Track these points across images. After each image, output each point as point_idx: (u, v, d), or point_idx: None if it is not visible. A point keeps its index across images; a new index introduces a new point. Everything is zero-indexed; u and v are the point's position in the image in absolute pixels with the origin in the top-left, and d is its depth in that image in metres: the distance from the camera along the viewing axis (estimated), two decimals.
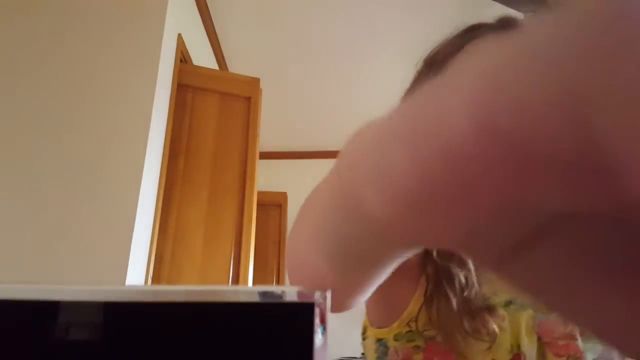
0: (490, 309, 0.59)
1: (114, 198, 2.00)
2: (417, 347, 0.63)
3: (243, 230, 2.43)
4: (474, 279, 0.60)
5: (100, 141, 2.10)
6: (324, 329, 0.32)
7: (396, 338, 0.66)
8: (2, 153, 2.09)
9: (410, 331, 0.64)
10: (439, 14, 3.02)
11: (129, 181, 2.03)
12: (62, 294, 0.32)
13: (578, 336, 0.57)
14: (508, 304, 0.61)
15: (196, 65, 2.78)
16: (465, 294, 0.60)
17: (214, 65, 3.32)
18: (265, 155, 4.23)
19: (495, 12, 2.92)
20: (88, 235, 1.95)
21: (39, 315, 0.31)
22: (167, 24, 2.33)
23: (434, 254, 0.62)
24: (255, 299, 0.33)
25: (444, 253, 0.61)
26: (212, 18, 3.04)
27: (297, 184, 4.60)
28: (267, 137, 3.87)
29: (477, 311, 0.59)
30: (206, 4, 2.92)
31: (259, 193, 2.62)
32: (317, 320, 0.32)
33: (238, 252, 2.39)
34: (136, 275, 1.97)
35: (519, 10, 2.57)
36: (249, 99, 2.70)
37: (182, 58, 2.60)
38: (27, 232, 1.95)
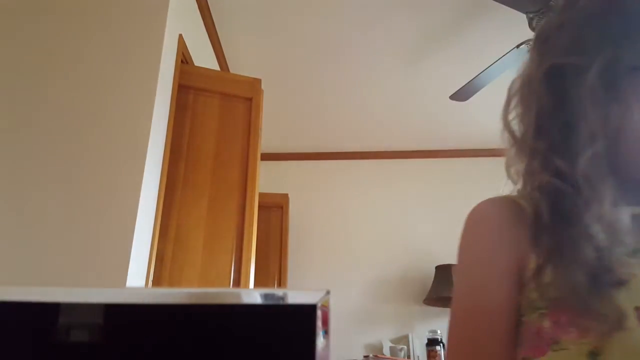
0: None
1: (115, 200, 2.00)
2: (542, 314, 0.61)
3: (244, 231, 2.42)
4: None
5: (100, 142, 2.10)
6: (326, 331, 0.32)
7: (522, 313, 0.64)
8: (2, 154, 2.09)
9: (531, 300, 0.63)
10: (440, 16, 3.02)
11: (130, 182, 2.02)
12: (62, 295, 0.31)
13: None
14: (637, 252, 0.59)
15: (197, 66, 2.78)
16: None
17: (215, 66, 3.32)
18: (267, 157, 4.23)
19: (496, 14, 2.92)
20: (88, 237, 1.94)
21: (40, 317, 0.31)
22: (168, 24, 2.33)
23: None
24: (257, 301, 0.33)
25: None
26: (214, 18, 3.04)
27: (299, 185, 4.61)
28: (269, 138, 3.87)
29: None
30: (207, 5, 2.92)
31: (260, 194, 2.62)
32: (319, 323, 0.32)
33: (239, 254, 2.38)
34: (137, 278, 1.96)
35: (520, 11, 2.57)
36: (250, 99, 2.70)
37: (183, 59, 2.60)
38: (27, 235, 1.95)
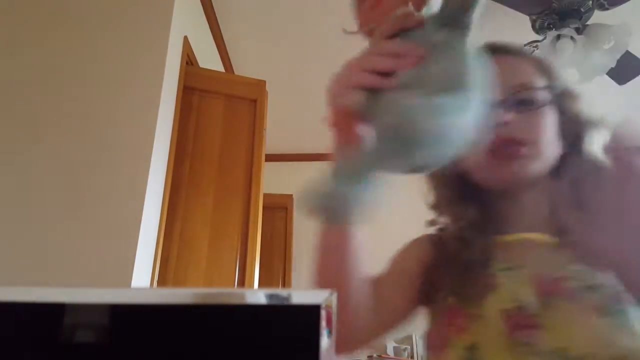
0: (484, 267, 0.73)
1: (120, 201, 2.00)
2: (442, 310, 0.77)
3: (249, 232, 2.42)
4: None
5: (106, 143, 2.10)
6: (330, 331, 0.32)
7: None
8: (6, 153, 2.09)
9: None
10: None
11: (135, 183, 2.03)
12: (67, 296, 0.31)
13: (568, 279, 0.67)
14: (506, 269, 0.72)
15: (202, 68, 2.78)
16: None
17: (220, 68, 3.32)
18: (271, 158, 4.22)
19: (499, 16, 2.91)
20: (94, 238, 1.95)
21: (45, 318, 0.31)
22: (173, 26, 2.34)
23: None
24: (262, 301, 0.33)
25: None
26: (218, 20, 3.04)
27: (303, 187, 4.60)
28: (273, 139, 3.87)
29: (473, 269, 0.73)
30: (212, 7, 2.92)
31: (265, 195, 2.62)
32: (323, 323, 0.32)
33: (244, 255, 2.38)
34: (141, 279, 1.97)
35: (523, 13, 2.56)
36: (254, 101, 2.70)
37: (188, 60, 2.60)
38: (33, 235, 1.96)
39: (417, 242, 0.87)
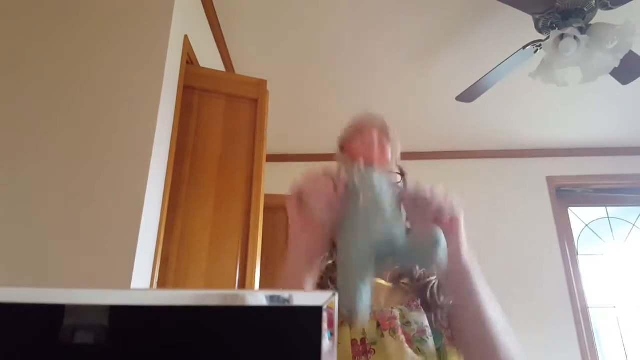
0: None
1: (120, 200, 2.00)
2: None
3: (250, 233, 2.42)
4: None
5: (106, 143, 2.10)
6: (332, 333, 0.32)
7: None
8: (5, 153, 2.09)
9: None
10: (446, 18, 3.01)
11: (135, 183, 2.02)
12: (67, 297, 0.31)
13: (396, 317, 0.91)
14: None
15: (203, 67, 2.78)
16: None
17: (221, 67, 3.32)
18: (272, 158, 4.22)
19: (503, 15, 2.90)
20: (93, 238, 1.94)
21: (45, 319, 0.31)
22: (173, 25, 2.33)
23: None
24: (263, 302, 0.33)
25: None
26: (219, 19, 3.04)
27: None
28: (274, 139, 3.87)
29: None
30: (213, 6, 2.92)
31: (266, 196, 2.62)
32: (324, 325, 0.31)
33: (244, 256, 2.38)
34: (141, 279, 1.96)
35: (526, 12, 2.56)
36: (256, 101, 2.70)
37: (189, 60, 2.60)
38: (31, 236, 1.95)
39: None
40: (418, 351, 0.87)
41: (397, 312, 0.92)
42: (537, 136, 4.51)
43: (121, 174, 2.05)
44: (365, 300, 0.73)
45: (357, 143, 0.91)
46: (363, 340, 0.89)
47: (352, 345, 0.89)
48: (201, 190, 2.42)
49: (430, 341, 0.88)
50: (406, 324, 0.91)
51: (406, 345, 0.87)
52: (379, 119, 0.96)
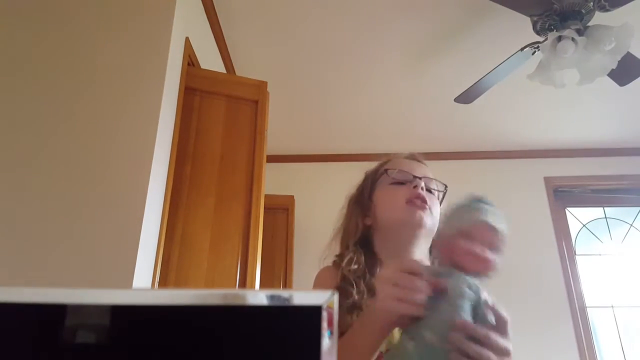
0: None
1: (121, 202, 2.01)
2: None
3: (250, 233, 2.42)
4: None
5: (107, 145, 2.11)
6: (332, 332, 0.32)
7: None
8: (6, 155, 2.10)
9: None
10: (445, 20, 3.02)
11: (136, 185, 2.03)
12: (69, 297, 0.32)
13: None
14: None
15: (204, 69, 2.79)
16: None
17: (222, 69, 3.32)
18: (273, 159, 4.23)
19: (500, 17, 2.92)
20: (94, 239, 1.95)
21: (46, 318, 0.31)
22: (174, 27, 2.34)
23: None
24: (263, 302, 0.33)
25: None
26: (220, 21, 3.04)
27: (305, 187, 4.61)
28: (275, 140, 3.87)
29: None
30: (214, 8, 2.92)
31: (266, 196, 2.62)
32: (324, 324, 0.32)
33: (245, 256, 2.39)
34: (143, 279, 1.97)
35: (524, 14, 2.56)
36: (256, 102, 2.70)
37: (190, 61, 2.60)
38: (32, 236, 1.96)
39: (327, 269, 1.22)
40: None
41: None
42: (535, 137, 4.51)
43: (123, 175, 2.05)
44: None
45: (461, 245, 0.80)
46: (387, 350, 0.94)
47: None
48: (202, 191, 2.43)
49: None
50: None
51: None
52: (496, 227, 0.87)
